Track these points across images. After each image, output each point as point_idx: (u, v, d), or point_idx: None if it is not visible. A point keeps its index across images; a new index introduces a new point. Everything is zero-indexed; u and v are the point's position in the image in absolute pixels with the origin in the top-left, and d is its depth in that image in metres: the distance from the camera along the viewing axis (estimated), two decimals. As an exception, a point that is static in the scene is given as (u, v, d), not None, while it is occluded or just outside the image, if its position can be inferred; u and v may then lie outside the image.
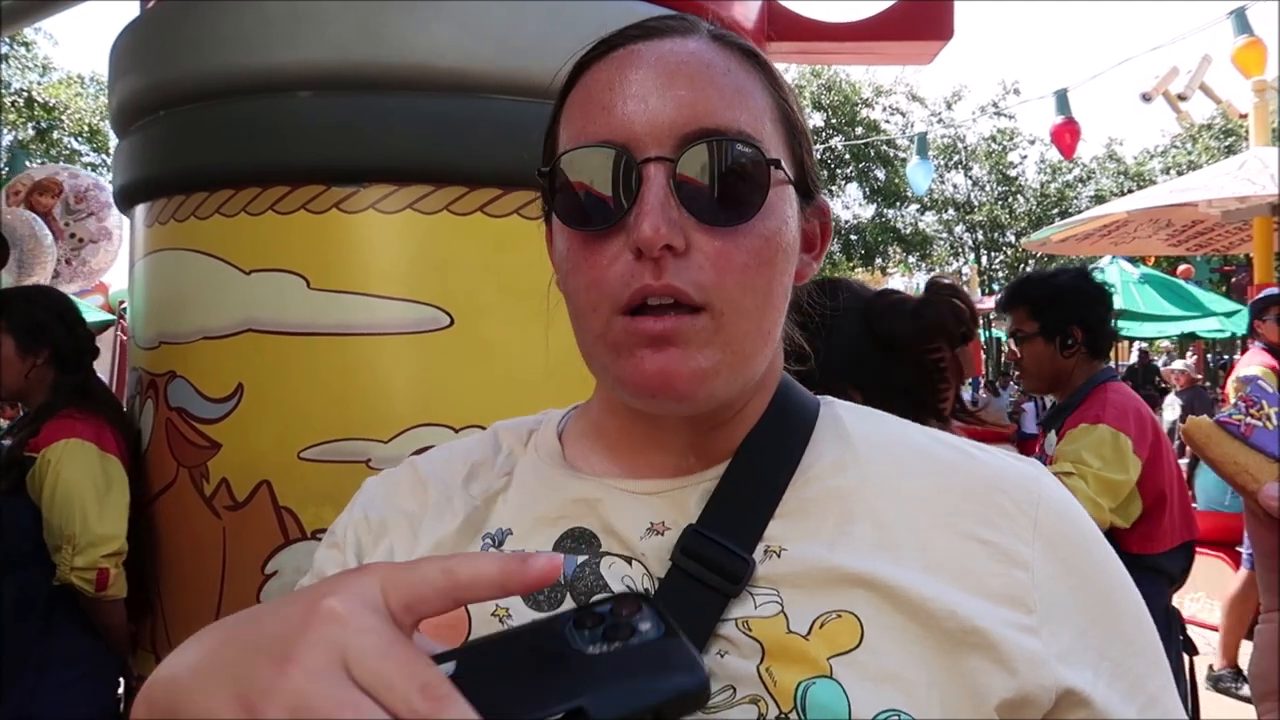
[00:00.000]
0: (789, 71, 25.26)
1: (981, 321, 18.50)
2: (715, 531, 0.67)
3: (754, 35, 2.66)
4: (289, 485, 2.14)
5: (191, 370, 2.28)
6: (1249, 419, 0.74)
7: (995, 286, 26.70)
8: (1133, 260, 12.65)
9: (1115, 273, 12.34)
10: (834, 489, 0.70)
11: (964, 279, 25.26)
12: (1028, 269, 27.89)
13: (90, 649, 2.38)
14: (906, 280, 29.03)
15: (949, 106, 27.64)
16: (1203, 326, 13.34)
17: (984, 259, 28.87)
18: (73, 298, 4.12)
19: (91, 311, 12.16)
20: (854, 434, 0.75)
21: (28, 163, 13.45)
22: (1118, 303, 10.24)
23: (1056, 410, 2.77)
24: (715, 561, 0.66)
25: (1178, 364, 11.32)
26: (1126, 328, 13.42)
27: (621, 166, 0.65)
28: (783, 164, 0.68)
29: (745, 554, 0.66)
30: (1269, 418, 0.74)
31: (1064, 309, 2.75)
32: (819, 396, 0.80)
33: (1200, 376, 10.26)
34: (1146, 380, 11.98)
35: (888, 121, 27.48)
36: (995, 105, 27.29)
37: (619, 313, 0.65)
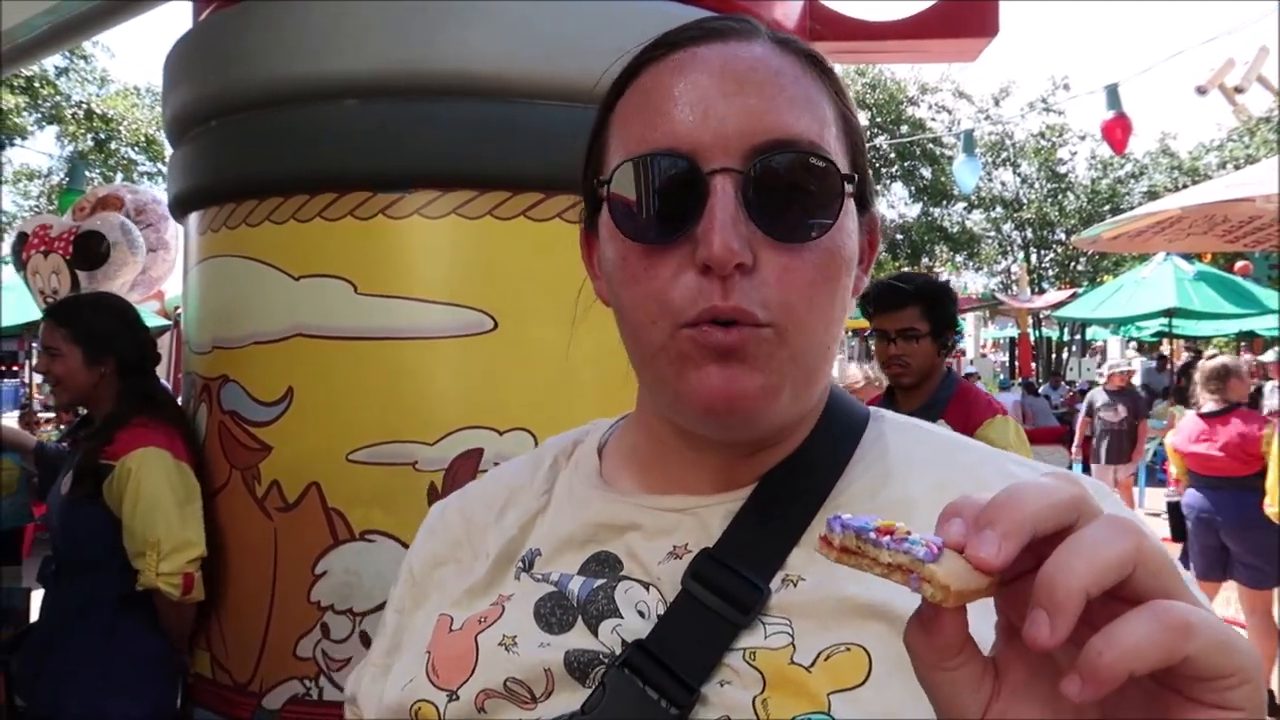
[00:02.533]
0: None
1: (1031, 320, 18.22)
2: (731, 557, 0.65)
3: (797, 34, 2.64)
4: (338, 487, 2.17)
5: (243, 374, 2.33)
6: None
7: (1045, 285, 26.25)
8: (1188, 257, 12.34)
9: (1170, 270, 12.04)
10: (867, 511, 0.68)
11: (1013, 277, 24.90)
12: (1078, 267, 27.40)
13: (155, 650, 2.43)
14: (956, 279, 28.68)
15: (997, 103, 27.25)
16: (1261, 324, 12.99)
17: (1033, 257, 28.39)
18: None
19: (148, 317, 12.45)
20: (894, 454, 0.72)
21: (87, 173, 13.84)
22: (1173, 300, 9.89)
23: (925, 407, 2.80)
24: (726, 588, 0.64)
25: (1269, 355, 11.12)
26: (1182, 326, 13.11)
27: (688, 177, 0.62)
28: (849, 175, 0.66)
29: (761, 582, 0.64)
30: None
31: (947, 310, 2.92)
32: (869, 409, 0.77)
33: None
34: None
35: (934, 119, 27.15)
36: (1044, 101, 26.86)
37: (683, 325, 0.62)
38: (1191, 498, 4.98)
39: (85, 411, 2.70)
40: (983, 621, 0.44)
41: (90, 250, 4.26)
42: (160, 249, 4.59)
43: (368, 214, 2.16)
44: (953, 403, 2.85)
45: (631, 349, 0.68)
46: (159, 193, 5.47)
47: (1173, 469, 5.46)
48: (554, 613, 0.69)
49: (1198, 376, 5.10)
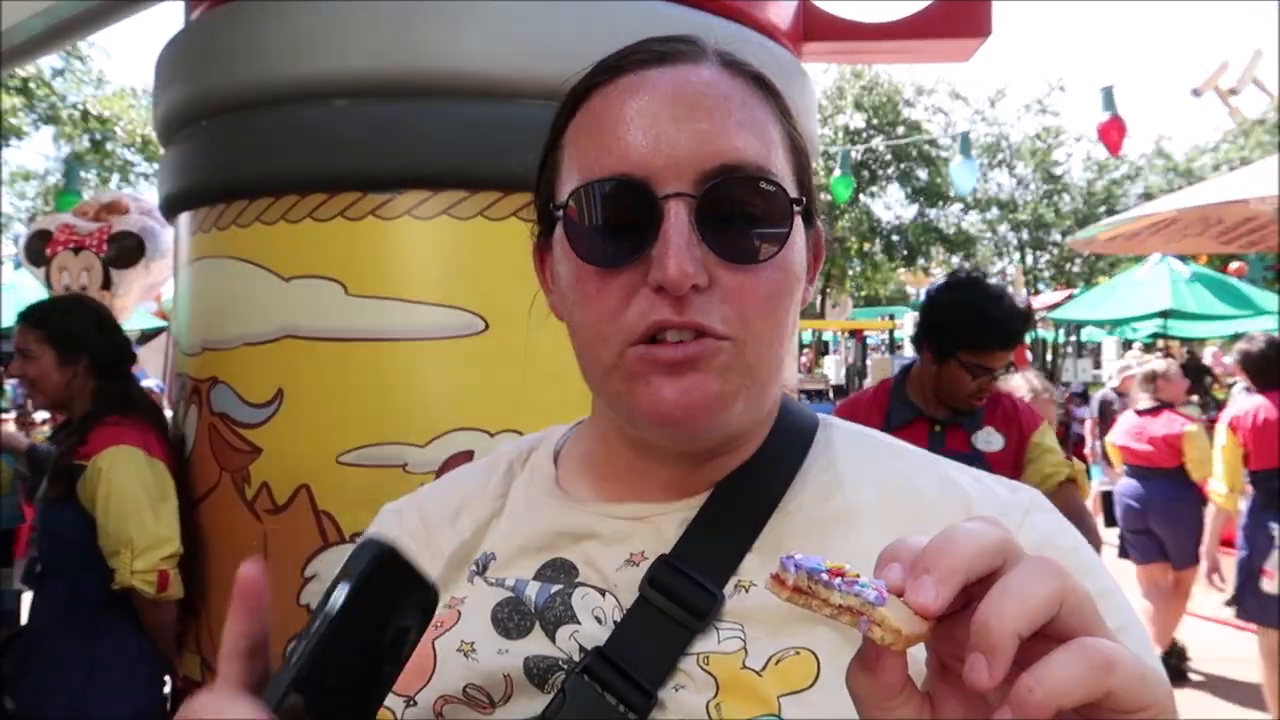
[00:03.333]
0: (829, 73, 25.13)
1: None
2: (687, 564, 0.67)
3: (790, 36, 2.64)
4: (328, 489, 2.16)
5: (233, 376, 2.32)
6: None
7: (1041, 286, 26.28)
8: (1183, 258, 12.36)
9: (1165, 271, 12.06)
10: (815, 520, 0.69)
11: (1009, 279, 24.91)
12: (1073, 268, 27.44)
13: (138, 651, 2.42)
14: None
15: (992, 105, 27.30)
16: (1256, 325, 13.01)
17: (1029, 258, 28.43)
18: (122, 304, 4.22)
19: (145, 319, 12.43)
20: (842, 460, 0.74)
21: (82, 174, 13.81)
22: (1168, 302, 9.92)
23: (968, 413, 2.74)
24: (681, 595, 0.65)
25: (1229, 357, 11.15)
26: (1177, 328, 13.11)
27: (641, 201, 0.63)
28: (797, 198, 0.67)
29: (715, 588, 0.65)
30: None
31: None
32: (820, 417, 0.79)
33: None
34: (1197, 381, 11.68)
35: (929, 121, 27.18)
36: (1040, 103, 26.91)
37: (632, 343, 0.64)
38: (1124, 486, 5.49)
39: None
40: (921, 655, 0.45)
41: (125, 249, 4.29)
42: (167, 255, 4.64)
43: (358, 214, 2.15)
44: (997, 410, 2.75)
45: (585, 366, 0.70)
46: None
47: (1111, 460, 6.08)
48: (511, 618, 0.69)
49: (1136, 379, 5.65)
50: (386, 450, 2.12)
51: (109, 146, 21.21)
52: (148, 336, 12.63)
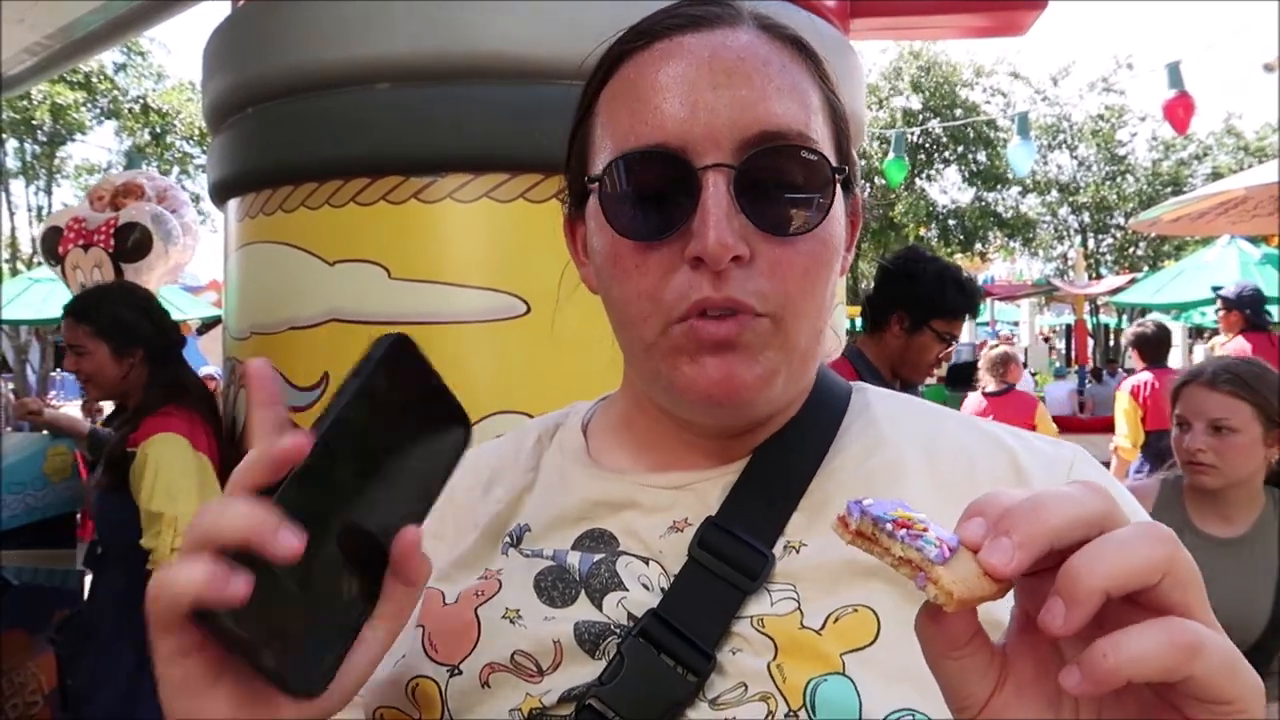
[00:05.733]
0: (886, 53, 24.72)
1: (1088, 307, 17.81)
2: (735, 526, 0.65)
3: (837, 11, 2.58)
4: (373, 472, 2.17)
5: (280, 359, 2.34)
6: None
7: (1102, 270, 25.63)
8: (1253, 240, 11.93)
9: (1234, 253, 11.64)
10: (862, 476, 0.68)
11: (1069, 263, 24.34)
12: (1138, 252, 26.71)
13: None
14: (1010, 265, 28.14)
15: (1055, 83, 26.62)
16: (1331, 309, 12.51)
17: (1090, 242, 27.74)
18: (186, 292, 4.27)
19: (204, 307, 12.67)
20: (883, 419, 0.73)
21: (144, 166, 14.17)
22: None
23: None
24: (732, 556, 0.64)
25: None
26: (1247, 312, 12.70)
27: (679, 173, 0.62)
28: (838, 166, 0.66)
29: (765, 549, 0.64)
30: None
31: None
32: (852, 383, 0.78)
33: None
34: None
35: (988, 102, 26.60)
36: (1105, 80, 26.17)
37: (674, 321, 0.63)
38: None
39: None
40: (1000, 605, 0.43)
41: (133, 241, 4.29)
42: (187, 234, 4.64)
43: (400, 198, 2.15)
44: None
45: (624, 342, 0.70)
46: (177, 180, 5.58)
47: None
48: (555, 586, 0.68)
49: (982, 363, 6.04)
50: (430, 434, 2.12)
51: (169, 139, 21.71)
52: (208, 325, 12.93)
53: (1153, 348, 5.70)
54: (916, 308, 2.70)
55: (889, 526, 0.42)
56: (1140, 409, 5.36)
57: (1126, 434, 5.35)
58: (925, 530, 0.41)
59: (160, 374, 2.55)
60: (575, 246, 0.77)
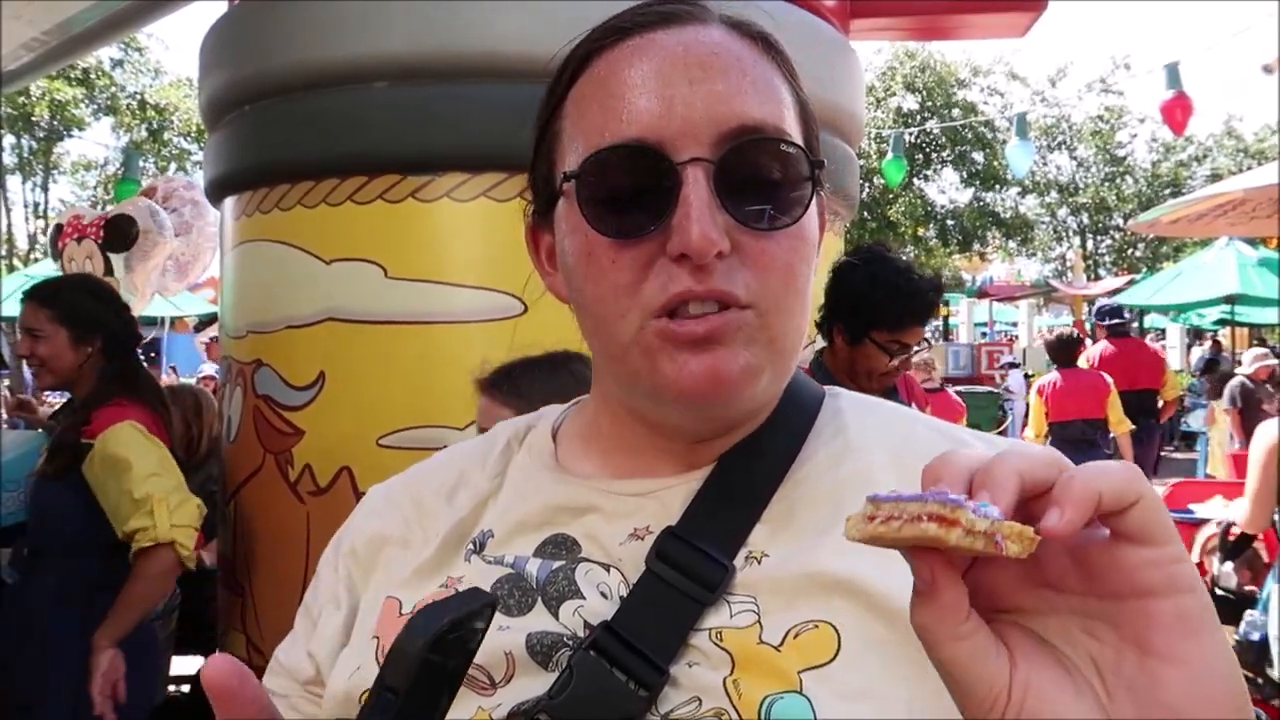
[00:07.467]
0: (882, 53, 24.68)
1: (1086, 308, 17.79)
2: (695, 536, 0.64)
3: (837, 11, 2.57)
4: (369, 472, 2.17)
5: (277, 358, 2.33)
6: None
7: (1101, 272, 25.63)
8: (1251, 242, 11.93)
9: (1232, 255, 11.65)
10: (828, 486, 0.67)
11: (1068, 264, 24.36)
12: (1136, 253, 26.71)
13: (135, 637, 2.33)
14: (1008, 266, 28.13)
15: (1053, 84, 26.61)
16: (1329, 311, 12.52)
17: (1089, 243, 27.74)
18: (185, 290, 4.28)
19: (201, 305, 12.60)
20: (852, 427, 0.71)
21: (140, 163, 14.13)
22: (1235, 286, 9.59)
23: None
24: (690, 567, 0.62)
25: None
26: (1245, 314, 12.70)
27: (657, 168, 0.60)
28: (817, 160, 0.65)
29: (725, 559, 0.63)
30: None
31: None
32: (825, 388, 0.77)
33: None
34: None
35: (986, 103, 26.58)
36: (1103, 81, 26.16)
37: (652, 317, 0.61)
38: None
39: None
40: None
41: (121, 232, 4.34)
42: (183, 232, 4.71)
43: (397, 197, 2.15)
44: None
45: (598, 344, 0.67)
46: (188, 178, 5.65)
47: None
48: (512, 595, 0.66)
49: (916, 365, 6.30)
50: (426, 433, 2.12)
51: (166, 135, 21.68)
52: (205, 323, 12.90)
53: (1063, 351, 6.56)
54: (852, 319, 2.42)
55: (947, 503, 0.40)
56: (1045, 405, 6.26)
57: (1032, 426, 6.30)
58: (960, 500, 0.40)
59: (115, 366, 2.49)
60: (539, 257, 0.74)
